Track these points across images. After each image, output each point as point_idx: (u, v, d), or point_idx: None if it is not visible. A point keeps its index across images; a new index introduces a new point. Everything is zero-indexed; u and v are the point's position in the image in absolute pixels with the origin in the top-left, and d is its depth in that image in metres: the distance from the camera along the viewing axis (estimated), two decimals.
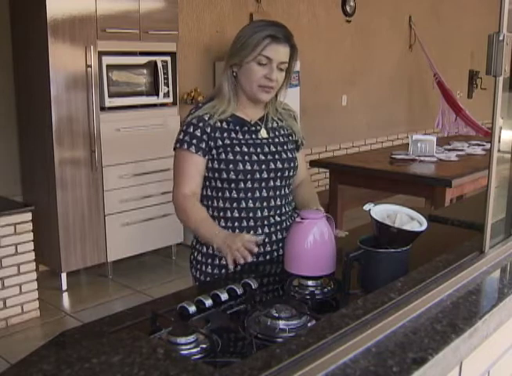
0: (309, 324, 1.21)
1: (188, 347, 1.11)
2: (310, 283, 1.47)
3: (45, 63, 3.67)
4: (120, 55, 4.01)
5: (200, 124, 1.73)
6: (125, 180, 4.12)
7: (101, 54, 3.88)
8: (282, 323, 1.20)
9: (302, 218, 1.51)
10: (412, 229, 1.45)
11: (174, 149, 1.80)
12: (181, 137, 1.76)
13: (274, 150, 1.79)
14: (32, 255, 3.55)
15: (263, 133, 1.80)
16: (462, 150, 4.55)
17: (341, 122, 6.36)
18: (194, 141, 1.73)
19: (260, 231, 1.78)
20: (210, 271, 1.80)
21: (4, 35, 3.92)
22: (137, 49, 4.10)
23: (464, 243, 1.53)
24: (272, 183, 1.78)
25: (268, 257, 1.79)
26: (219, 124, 1.75)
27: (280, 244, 1.80)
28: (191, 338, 1.13)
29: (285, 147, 1.83)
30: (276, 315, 1.23)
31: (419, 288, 1.23)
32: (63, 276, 3.98)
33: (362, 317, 1.08)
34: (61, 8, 3.65)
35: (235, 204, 1.75)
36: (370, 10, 6.45)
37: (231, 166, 1.72)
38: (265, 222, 1.78)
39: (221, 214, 1.77)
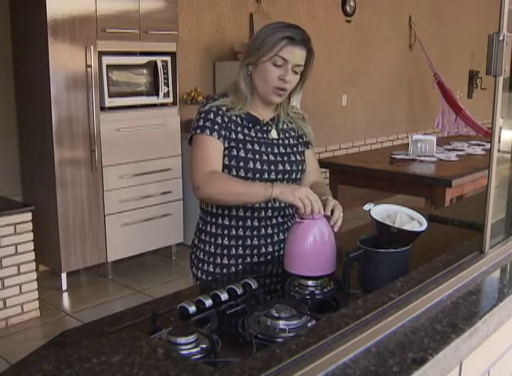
0: (309, 324, 1.21)
1: (188, 347, 1.11)
2: (310, 283, 1.47)
3: (45, 63, 3.67)
4: (120, 55, 4.01)
5: (220, 112, 1.73)
6: (125, 180, 4.12)
7: (101, 54, 3.88)
8: (282, 323, 1.20)
9: (302, 218, 1.51)
10: (412, 229, 1.45)
11: (191, 137, 1.75)
12: (201, 123, 1.72)
13: (283, 151, 1.79)
14: (32, 255, 3.55)
15: (273, 134, 1.80)
16: (462, 150, 4.55)
17: (341, 122, 6.36)
18: (216, 127, 1.71)
19: (263, 231, 1.78)
20: (212, 270, 1.79)
21: (4, 35, 3.92)
22: (137, 49, 4.10)
23: (464, 243, 1.53)
24: None
25: (269, 257, 1.80)
26: (234, 117, 1.75)
27: (281, 245, 1.81)
28: (191, 338, 1.12)
29: (294, 149, 1.83)
30: (276, 315, 1.23)
31: (419, 288, 1.23)
32: (63, 276, 3.98)
33: (362, 317, 1.08)
34: (61, 8, 3.65)
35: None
36: (370, 10, 6.45)
37: (241, 163, 1.71)
38: (268, 223, 1.79)
39: (226, 212, 1.77)
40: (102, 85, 3.90)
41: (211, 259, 1.80)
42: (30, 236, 3.52)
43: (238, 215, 1.76)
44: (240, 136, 1.74)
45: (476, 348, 1.18)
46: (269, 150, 1.76)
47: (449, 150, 4.59)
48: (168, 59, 4.22)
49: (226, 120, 1.73)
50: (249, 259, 1.78)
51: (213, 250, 1.79)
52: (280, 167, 1.77)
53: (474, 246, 1.47)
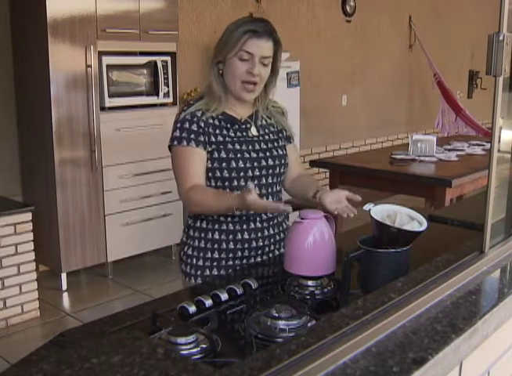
0: (309, 324, 1.21)
1: (188, 347, 1.11)
2: (310, 283, 1.47)
3: (45, 63, 3.67)
4: (120, 55, 4.01)
5: (195, 119, 1.74)
6: (125, 180, 4.12)
7: (101, 54, 3.88)
8: (282, 323, 1.20)
9: (302, 218, 1.51)
10: (412, 229, 1.45)
11: (170, 146, 1.78)
12: (177, 134, 1.74)
13: (265, 147, 1.81)
14: (32, 255, 3.55)
15: (253, 131, 1.81)
16: (462, 150, 4.55)
17: (341, 122, 6.35)
18: (192, 136, 1.72)
19: (252, 225, 1.79)
20: (201, 264, 1.79)
21: (4, 35, 3.92)
22: (137, 49, 4.10)
23: (464, 243, 1.53)
24: (264, 180, 1.79)
25: (259, 252, 1.80)
26: (211, 120, 1.76)
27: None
28: (191, 338, 1.13)
29: (275, 144, 1.84)
30: (276, 315, 1.23)
31: (419, 288, 1.23)
32: (63, 276, 3.98)
33: (362, 317, 1.08)
34: (61, 8, 3.66)
35: None
36: (370, 10, 6.45)
37: (224, 164, 1.73)
38: (258, 218, 1.79)
39: None
40: (102, 85, 3.90)
41: (201, 254, 1.80)
42: (30, 236, 3.52)
43: (228, 214, 1.76)
44: (220, 138, 1.75)
45: (476, 348, 1.18)
46: (250, 147, 1.77)
47: (449, 150, 4.59)
48: (168, 59, 4.22)
49: (203, 125, 1.74)
50: (240, 254, 1.78)
51: (203, 244, 1.80)
52: (263, 162, 1.78)
53: (474, 246, 1.47)
